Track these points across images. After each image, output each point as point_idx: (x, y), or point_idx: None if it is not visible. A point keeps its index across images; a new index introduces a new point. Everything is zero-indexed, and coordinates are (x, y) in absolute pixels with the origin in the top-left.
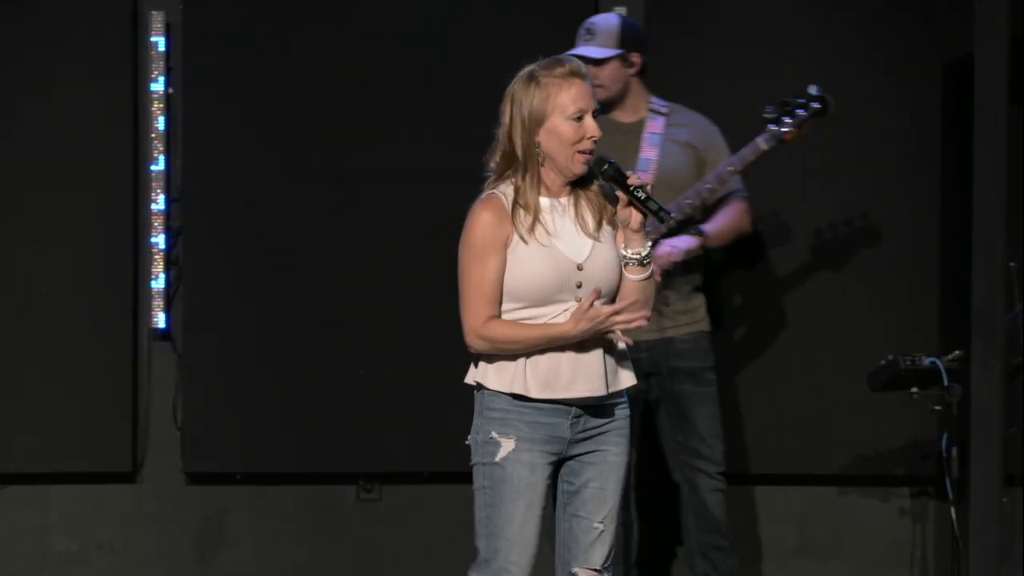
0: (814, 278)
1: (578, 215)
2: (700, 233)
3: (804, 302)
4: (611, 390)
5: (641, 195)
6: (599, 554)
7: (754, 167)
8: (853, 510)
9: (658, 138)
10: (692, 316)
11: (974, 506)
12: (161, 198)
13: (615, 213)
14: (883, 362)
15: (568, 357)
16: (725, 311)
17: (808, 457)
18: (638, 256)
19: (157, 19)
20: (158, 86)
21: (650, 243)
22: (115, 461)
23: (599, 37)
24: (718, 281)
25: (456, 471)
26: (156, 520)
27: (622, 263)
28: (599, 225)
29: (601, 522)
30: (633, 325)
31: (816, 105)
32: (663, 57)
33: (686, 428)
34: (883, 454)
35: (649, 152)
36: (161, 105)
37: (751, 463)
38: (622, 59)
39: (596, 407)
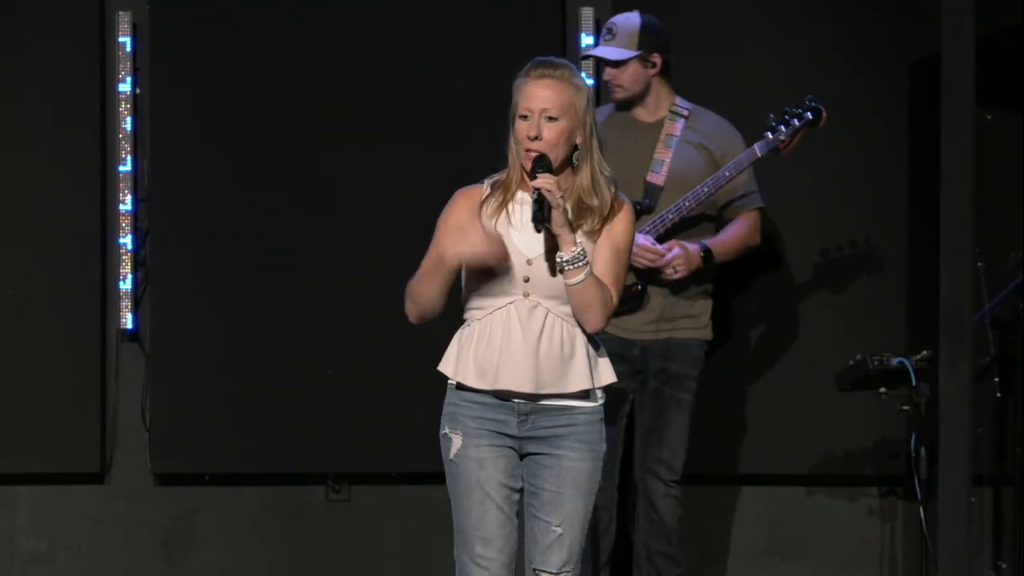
0: (782, 278)
1: (523, 217)
2: (705, 249)
3: (773, 302)
4: (543, 390)
5: (534, 195)
6: (556, 557)
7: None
8: (822, 510)
9: (675, 140)
10: (694, 322)
11: (943, 505)
12: (129, 199)
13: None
14: (851, 362)
15: (500, 349)
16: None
17: (777, 457)
18: (560, 260)
19: (124, 19)
20: (125, 87)
21: (578, 249)
22: (83, 462)
23: (619, 37)
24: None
25: (424, 471)
26: (124, 521)
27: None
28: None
29: (559, 526)
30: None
31: (808, 115)
32: None
33: (655, 431)
34: (852, 454)
35: (663, 154)
36: (128, 106)
37: (720, 463)
38: (642, 60)
39: (550, 408)
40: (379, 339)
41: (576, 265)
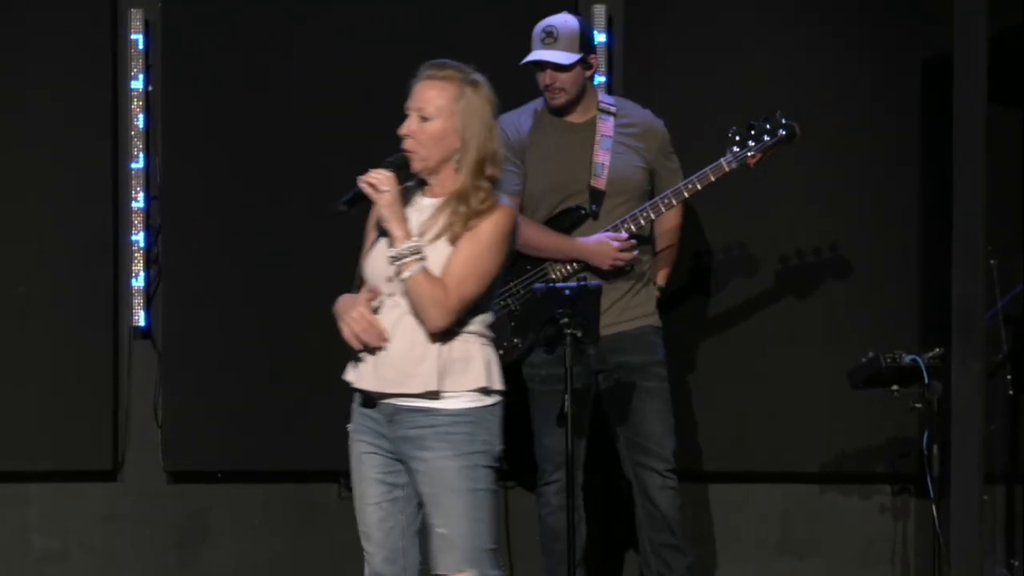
0: (795, 276)
1: (424, 218)
2: (660, 289)
3: (785, 300)
4: (385, 389)
5: (393, 165)
6: (446, 558)
7: (712, 186)
8: (834, 508)
9: (609, 141)
10: (638, 311)
11: (955, 503)
12: (141, 196)
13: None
14: (864, 360)
15: (364, 348)
16: (707, 308)
17: (789, 455)
18: (388, 255)
19: (136, 17)
20: (137, 84)
21: (405, 245)
22: (96, 459)
23: (561, 41)
24: (700, 278)
25: None
26: (137, 519)
27: None
28: (435, 236)
29: (442, 527)
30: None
31: (782, 132)
32: (639, 56)
33: (634, 425)
34: (864, 452)
35: (601, 156)
36: (140, 103)
37: (732, 460)
38: (583, 62)
39: (411, 409)
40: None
41: (402, 261)
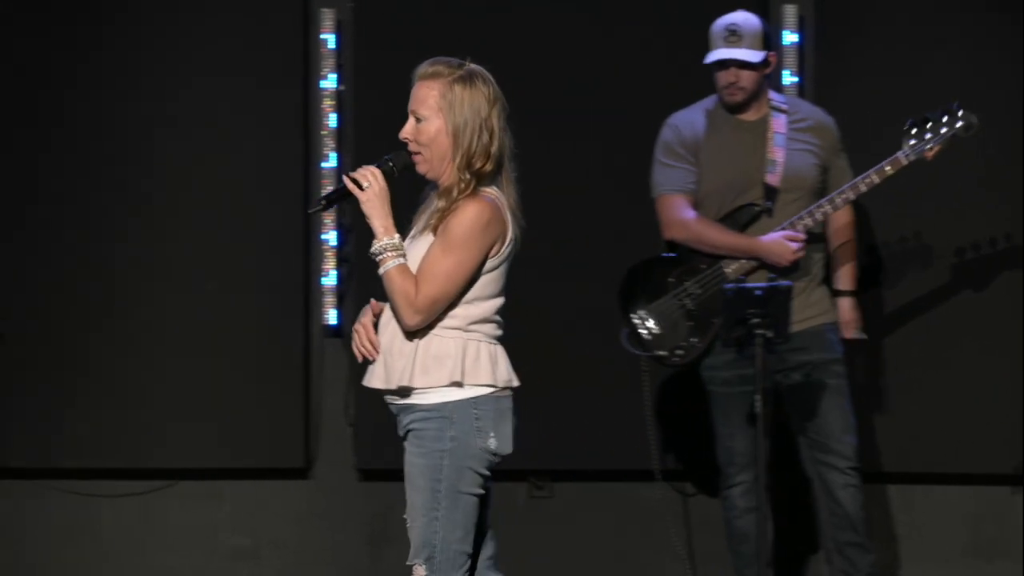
0: (968, 273)
1: (421, 216)
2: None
3: (963, 293)
4: (372, 384)
5: (388, 163)
6: (411, 549)
7: (891, 180)
8: None
9: (782, 138)
10: (816, 309)
11: None
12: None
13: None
14: None
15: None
16: (883, 303)
17: (979, 456)
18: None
19: (327, 16)
20: (329, 83)
21: (380, 243)
22: (287, 457)
23: (746, 39)
24: (874, 273)
25: (628, 468)
26: (328, 516)
27: None
28: (421, 230)
29: (406, 516)
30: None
31: (959, 124)
32: (831, 56)
33: (816, 423)
34: None
35: (775, 153)
36: (332, 103)
37: (920, 462)
38: (764, 61)
39: (404, 406)
40: (583, 336)
41: (378, 257)
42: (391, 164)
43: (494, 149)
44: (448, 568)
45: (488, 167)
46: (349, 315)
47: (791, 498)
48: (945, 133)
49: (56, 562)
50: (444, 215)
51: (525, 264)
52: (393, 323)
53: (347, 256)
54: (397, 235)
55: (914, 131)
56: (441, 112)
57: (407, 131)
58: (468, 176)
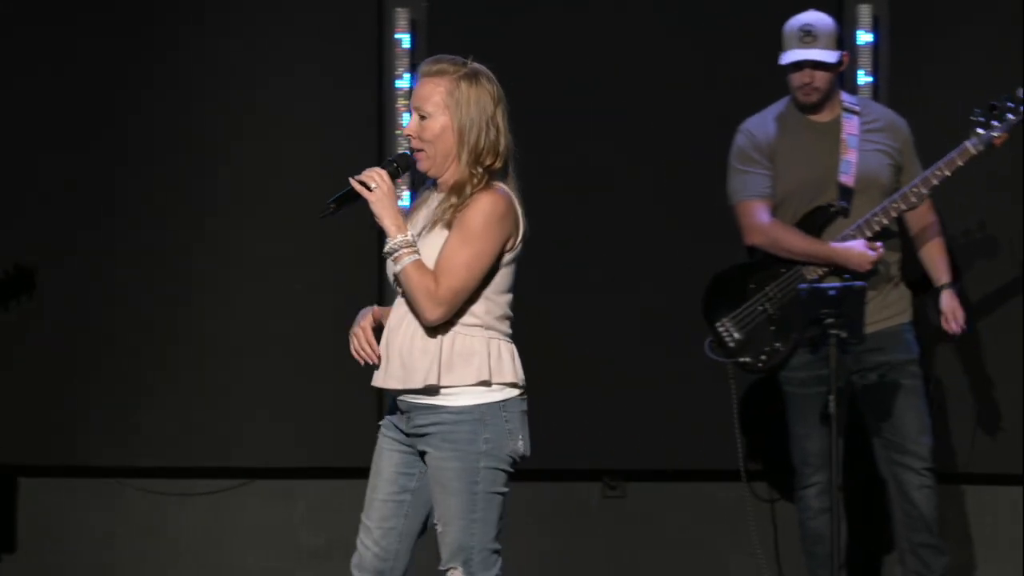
0: None
1: (429, 214)
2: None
3: None
4: (391, 385)
5: (393, 163)
6: (443, 553)
7: (961, 171)
8: None
9: (855, 139)
10: (893, 309)
11: None
12: (406, 195)
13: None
14: None
15: (381, 344)
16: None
17: None
18: (384, 252)
19: (402, 16)
20: (403, 83)
21: (395, 240)
22: (362, 457)
23: (821, 39)
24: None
25: (702, 468)
26: None
27: None
28: (431, 226)
29: (437, 523)
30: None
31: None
32: (905, 56)
33: (891, 423)
34: None
35: (849, 154)
36: (406, 102)
37: (995, 463)
38: (839, 61)
39: (422, 406)
40: (656, 336)
41: (393, 255)
42: (395, 164)
43: (502, 147)
44: (485, 569)
45: (498, 164)
46: None
47: (865, 499)
48: (1011, 120)
49: (132, 560)
50: (457, 210)
51: (592, 263)
52: (407, 323)
53: None
54: (410, 232)
55: (981, 120)
56: (448, 109)
57: (411, 128)
58: (480, 171)
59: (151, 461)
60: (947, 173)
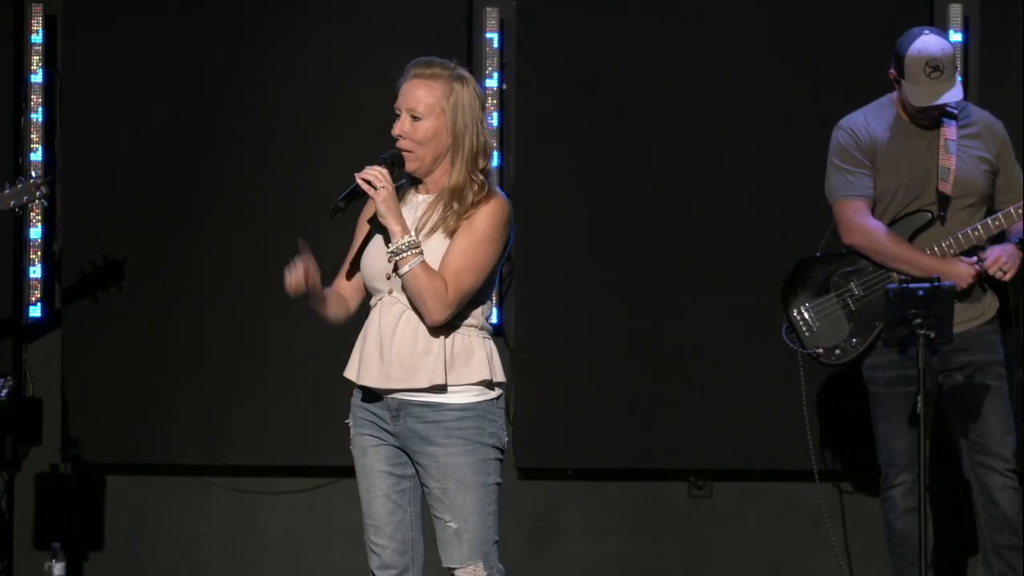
0: None
1: (419, 214)
2: (1020, 241)
3: None
4: (392, 385)
5: (389, 162)
6: (457, 552)
7: None
8: None
9: (954, 145)
10: (979, 309)
11: None
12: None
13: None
14: None
15: (365, 345)
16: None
17: None
18: (388, 251)
19: (491, 16)
20: (492, 82)
21: (403, 240)
22: None
23: (947, 70)
24: None
25: (788, 468)
26: None
27: None
28: (430, 230)
29: (451, 521)
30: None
31: None
32: (996, 56)
33: (975, 424)
34: None
35: (948, 160)
36: (495, 101)
37: None
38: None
39: (417, 403)
40: (746, 335)
41: (401, 255)
42: (391, 162)
43: (489, 148)
44: (496, 558)
45: (489, 165)
46: (509, 314)
47: (949, 499)
48: None
49: (219, 557)
50: (462, 216)
51: (681, 264)
52: (406, 323)
53: (509, 255)
54: (414, 233)
55: None
56: (443, 112)
57: (403, 128)
58: (479, 176)
59: (238, 459)
60: None
